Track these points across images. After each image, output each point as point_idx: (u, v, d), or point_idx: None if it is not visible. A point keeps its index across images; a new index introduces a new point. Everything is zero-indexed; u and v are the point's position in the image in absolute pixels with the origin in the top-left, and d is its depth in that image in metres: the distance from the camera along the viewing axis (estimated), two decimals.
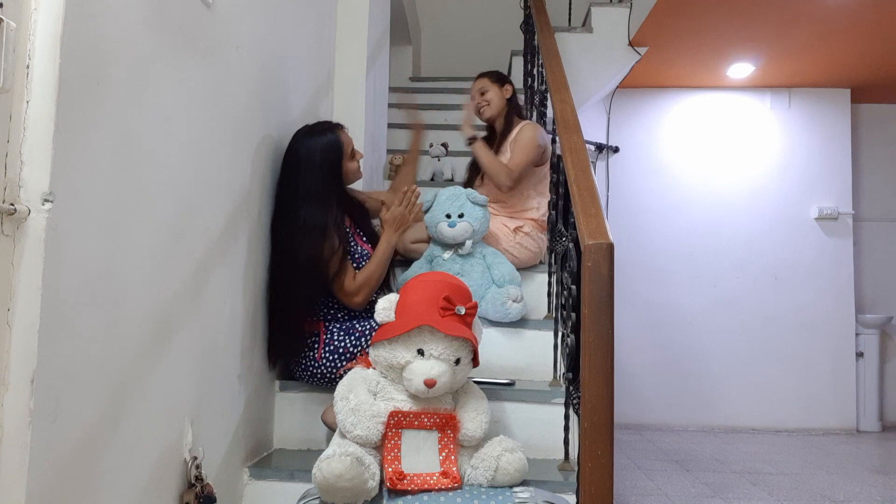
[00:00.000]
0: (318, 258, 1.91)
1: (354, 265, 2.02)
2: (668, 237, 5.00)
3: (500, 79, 2.86)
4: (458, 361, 1.57)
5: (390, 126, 3.58)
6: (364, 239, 2.12)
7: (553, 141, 2.41)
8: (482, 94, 2.82)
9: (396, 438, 1.53)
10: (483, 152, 2.68)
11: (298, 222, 1.93)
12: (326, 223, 1.93)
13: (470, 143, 2.71)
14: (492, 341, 2.21)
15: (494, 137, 2.86)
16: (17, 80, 0.99)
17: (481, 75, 2.90)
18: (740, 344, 4.89)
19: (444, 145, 3.44)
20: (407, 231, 2.55)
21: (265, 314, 1.95)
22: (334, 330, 1.97)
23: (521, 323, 2.26)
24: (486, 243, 2.43)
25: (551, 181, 2.42)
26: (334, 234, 1.94)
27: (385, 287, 2.16)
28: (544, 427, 1.95)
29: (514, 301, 2.22)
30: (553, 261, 2.36)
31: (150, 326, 1.28)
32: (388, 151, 3.42)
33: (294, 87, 2.19)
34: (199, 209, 1.49)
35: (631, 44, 4.11)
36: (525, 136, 2.67)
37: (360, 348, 1.92)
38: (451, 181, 3.36)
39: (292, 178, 1.99)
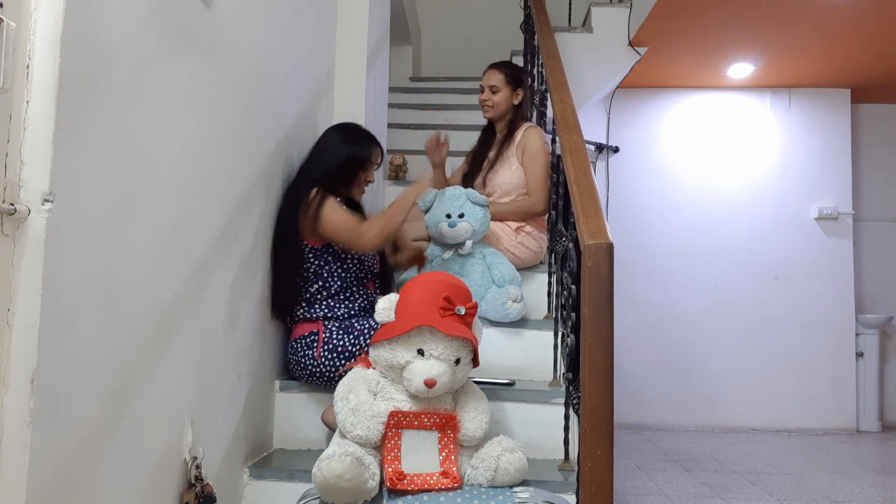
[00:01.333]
0: (297, 230, 2.01)
1: (357, 261, 2.05)
2: (668, 237, 5.00)
3: (515, 81, 2.74)
4: (458, 361, 1.57)
5: (390, 126, 3.57)
6: None
7: (553, 141, 2.41)
8: (493, 91, 2.72)
9: (396, 438, 1.53)
10: (504, 210, 2.59)
11: (297, 190, 2.06)
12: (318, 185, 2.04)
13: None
14: (492, 341, 2.21)
15: (493, 136, 2.84)
16: (17, 80, 0.99)
17: (496, 67, 2.77)
18: (740, 344, 4.89)
19: None
20: (408, 231, 2.55)
21: (266, 314, 1.95)
22: (333, 329, 1.97)
23: (521, 323, 2.26)
24: (487, 243, 2.42)
25: (551, 181, 2.42)
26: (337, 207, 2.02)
27: (386, 287, 2.17)
28: (544, 427, 1.95)
29: (514, 301, 2.22)
30: (553, 261, 2.36)
31: (150, 326, 1.29)
32: (388, 151, 3.41)
33: (294, 87, 2.19)
34: (199, 209, 1.49)
35: (631, 44, 4.10)
36: (535, 147, 2.62)
37: (359, 347, 1.93)
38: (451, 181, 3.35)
39: (311, 160, 2.14)
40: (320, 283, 2.02)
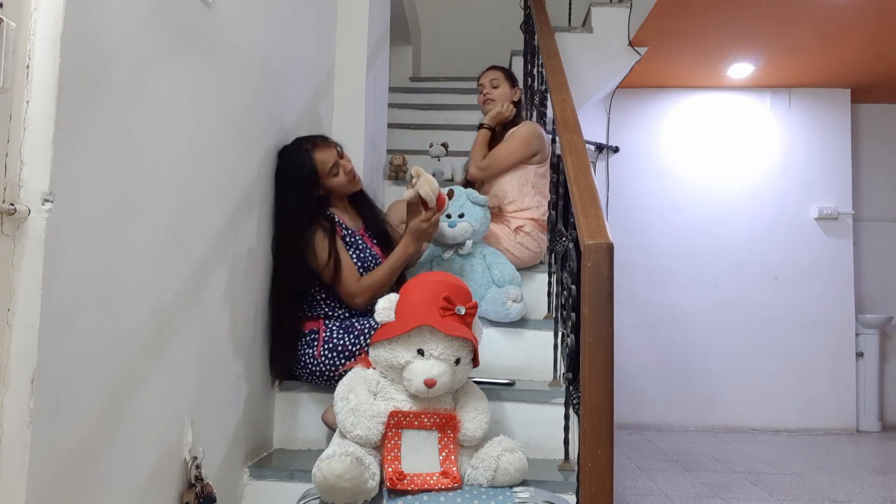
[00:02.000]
0: (295, 275, 1.96)
1: (360, 266, 2.04)
2: (668, 237, 5.00)
3: (512, 79, 2.89)
4: (458, 361, 1.57)
5: (390, 126, 3.58)
6: (375, 242, 2.15)
7: (553, 141, 2.41)
8: (493, 86, 2.84)
9: (396, 438, 1.53)
10: (478, 138, 2.74)
11: (279, 246, 1.98)
12: (302, 244, 1.95)
13: (479, 127, 2.77)
14: (492, 341, 2.21)
15: (493, 139, 2.86)
16: (17, 80, 0.99)
17: (495, 68, 2.91)
18: (740, 344, 4.89)
19: (444, 145, 3.44)
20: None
21: (265, 314, 1.95)
22: (333, 328, 1.97)
23: (521, 323, 2.26)
24: (486, 243, 2.43)
25: (551, 181, 2.42)
26: (316, 249, 1.96)
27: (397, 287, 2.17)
28: (544, 427, 1.95)
29: (514, 301, 2.22)
30: (553, 261, 2.36)
31: (150, 326, 1.29)
32: (388, 151, 3.42)
33: (294, 87, 2.19)
34: (199, 209, 1.49)
35: (631, 44, 4.10)
36: (517, 133, 2.70)
37: (359, 346, 1.93)
38: (451, 181, 3.36)
39: (277, 196, 2.03)
40: (322, 296, 2.03)
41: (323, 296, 2.02)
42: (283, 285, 1.97)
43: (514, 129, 2.72)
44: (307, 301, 2.02)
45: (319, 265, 1.97)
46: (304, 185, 2.00)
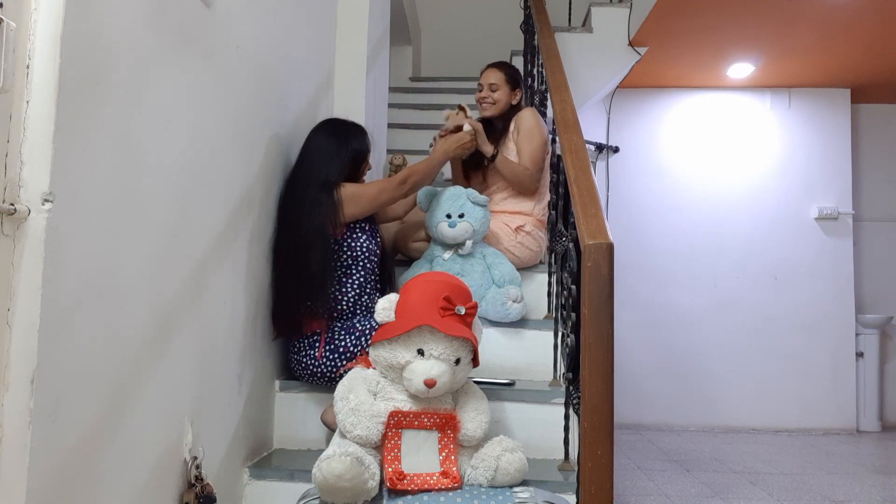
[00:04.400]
0: (325, 228, 1.98)
1: (367, 253, 2.06)
2: (668, 237, 5.00)
3: (513, 81, 2.75)
4: (458, 361, 1.57)
5: (390, 126, 3.58)
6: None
7: (553, 141, 2.41)
8: (492, 90, 2.71)
9: (396, 438, 1.53)
10: (506, 164, 2.58)
11: (309, 199, 2.01)
12: (334, 201, 2.03)
13: (493, 159, 2.59)
14: (492, 341, 2.21)
15: (492, 132, 2.82)
16: (17, 80, 0.99)
17: (495, 66, 2.76)
18: (740, 344, 4.89)
19: None
20: (408, 232, 2.55)
21: (266, 314, 1.95)
22: (335, 329, 1.97)
23: (521, 323, 2.26)
24: (486, 243, 2.42)
25: (551, 181, 2.42)
26: (348, 193, 2.05)
27: (387, 286, 2.17)
28: (544, 427, 1.95)
29: (514, 301, 2.22)
30: (553, 261, 2.36)
31: (150, 326, 1.29)
32: (388, 151, 3.42)
33: (294, 87, 2.19)
34: (199, 209, 1.49)
35: (631, 44, 4.10)
36: (527, 125, 2.60)
37: (360, 348, 1.93)
38: (450, 181, 3.35)
39: (313, 163, 2.07)
40: (344, 281, 2.02)
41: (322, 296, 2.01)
42: (296, 248, 1.97)
43: (519, 121, 2.63)
44: (309, 300, 2.01)
45: (363, 198, 2.05)
46: (355, 161, 2.14)
